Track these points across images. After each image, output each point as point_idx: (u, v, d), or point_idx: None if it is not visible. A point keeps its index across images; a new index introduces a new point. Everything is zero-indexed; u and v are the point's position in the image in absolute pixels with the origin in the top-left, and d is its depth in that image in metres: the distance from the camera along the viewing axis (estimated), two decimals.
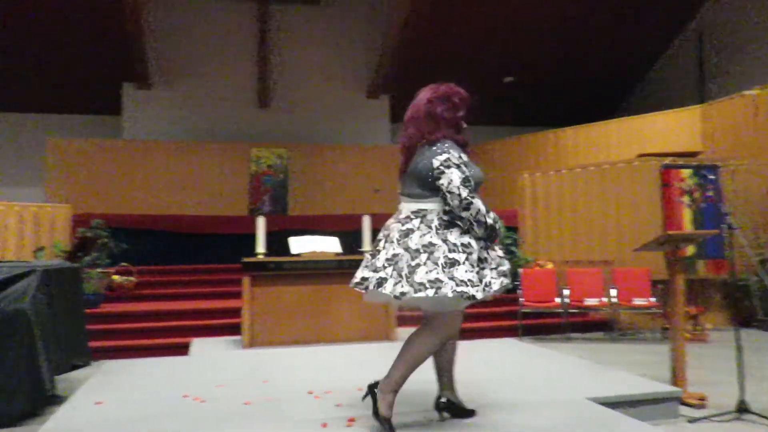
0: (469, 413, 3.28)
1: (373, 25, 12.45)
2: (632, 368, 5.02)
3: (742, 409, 3.84)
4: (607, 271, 7.74)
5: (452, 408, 3.28)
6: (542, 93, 13.12)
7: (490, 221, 2.93)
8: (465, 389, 3.41)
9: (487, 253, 2.99)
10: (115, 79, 11.78)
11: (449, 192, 2.88)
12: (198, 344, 6.06)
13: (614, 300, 7.33)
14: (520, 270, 7.75)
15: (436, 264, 2.84)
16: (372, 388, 3.07)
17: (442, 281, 2.80)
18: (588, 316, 7.85)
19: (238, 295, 6.13)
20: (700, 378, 4.76)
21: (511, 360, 4.93)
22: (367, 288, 2.97)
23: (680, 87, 12.34)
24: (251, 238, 6.07)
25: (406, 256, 2.89)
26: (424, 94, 3.16)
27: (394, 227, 3.03)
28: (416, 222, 2.96)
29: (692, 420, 3.81)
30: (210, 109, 12.17)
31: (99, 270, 7.79)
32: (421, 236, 2.91)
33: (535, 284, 7.60)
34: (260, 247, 5.97)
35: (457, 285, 2.80)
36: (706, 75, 11.93)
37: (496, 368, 3.49)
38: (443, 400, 3.28)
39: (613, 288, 7.40)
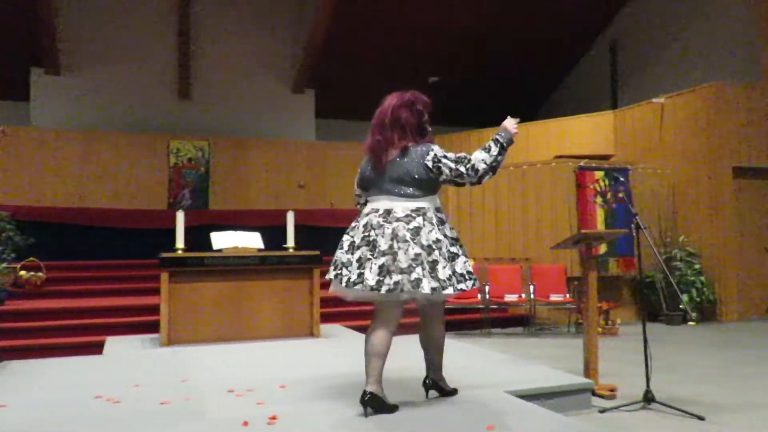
0: (452, 392, 3.60)
1: (300, 18, 12.31)
2: (548, 362, 5.21)
3: (649, 398, 4.06)
4: (526, 268, 8.00)
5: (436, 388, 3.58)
6: (466, 94, 13.40)
7: (495, 151, 3.18)
8: (387, 384, 3.43)
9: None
10: (22, 63, 11.08)
11: (457, 177, 3.18)
12: (112, 343, 5.82)
13: (532, 296, 7.59)
14: None
15: (447, 260, 3.13)
16: (428, 384, 3.54)
17: (452, 277, 3.11)
18: (507, 311, 8.09)
19: (156, 292, 5.93)
20: (610, 370, 5.00)
21: None
22: (402, 290, 3.06)
23: (595, 93, 12.92)
24: (170, 232, 5.88)
25: (424, 253, 3.08)
26: (389, 102, 3.32)
27: (398, 226, 3.12)
28: (420, 219, 3.15)
29: (603, 410, 4.00)
30: (126, 98, 11.65)
31: (4, 265, 7.34)
32: (428, 233, 3.13)
33: None
34: (180, 242, 5.79)
35: (467, 279, 3.17)
36: (618, 82, 12.54)
37: (419, 363, 3.55)
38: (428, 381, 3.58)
39: (531, 284, 7.66)
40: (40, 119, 11.23)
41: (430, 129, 3.38)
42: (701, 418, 3.83)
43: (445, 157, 3.18)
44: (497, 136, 3.23)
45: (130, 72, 11.66)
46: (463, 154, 3.20)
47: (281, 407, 3.35)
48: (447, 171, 3.17)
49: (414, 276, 3.04)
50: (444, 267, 3.09)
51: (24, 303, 7.18)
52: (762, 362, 5.73)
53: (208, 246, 5.96)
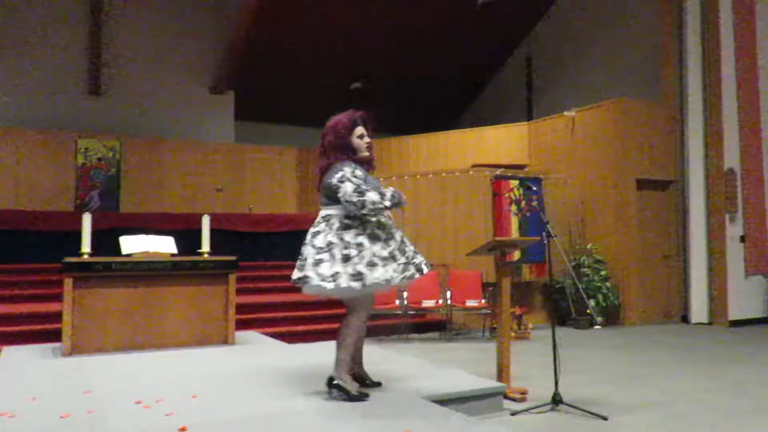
0: (376, 384, 3.90)
1: (221, 16, 12.04)
2: (463, 366, 5.30)
3: (557, 400, 4.20)
4: (444, 274, 8.13)
5: (359, 380, 3.82)
6: (387, 102, 13.50)
7: (388, 203, 3.56)
8: (307, 391, 3.39)
9: (399, 251, 3.62)
10: None
11: (346, 201, 3.54)
12: (8, 353, 5.45)
13: (449, 302, 7.72)
14: None
15: (334, 258, 3.50)
16: (331, 383, 3.60)
17: (339, 273, 3.45)
18: (425, 316, 8.18)
19: (59, 298, 5.60)
20: (522, 373, 5.15)
21: None
22: (306, 284, 3.54)
23: (511, 104, 13.35)
24: (77, 236, 5.58)
25: (312, 251, 3.56)
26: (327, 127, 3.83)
27: (310, 231, 3.67)
28: (323, 225, 3.64)
29: (514, 413, 4.11)
30: (29, 91, 10.96)
31: None
32: (324, 236, 3.58)
33: None
34: (86, 246, 5.50)
35: (356, 280, 3.44)
36: (533, 95, 13.02)
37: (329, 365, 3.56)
38: (352, 372, 3.77)
39: (448, 290, 7.80)
40: None
41: (366, 139, 3.81)
42: (605, 418, 4.00)
43: (349, 181, 3.56)
44: (395, 196, 3.58)
45: (36, 64, 11.01)
46: (361, 191, 3.52)
47: (191, 418, 3.23)
48: (342, 193, 3.55)
49: (302, 273, 3.55)
50: (330, 266, 3.48)
51: None
52: (660, 364, 6.07)
53: (117, 250, 5.70)
